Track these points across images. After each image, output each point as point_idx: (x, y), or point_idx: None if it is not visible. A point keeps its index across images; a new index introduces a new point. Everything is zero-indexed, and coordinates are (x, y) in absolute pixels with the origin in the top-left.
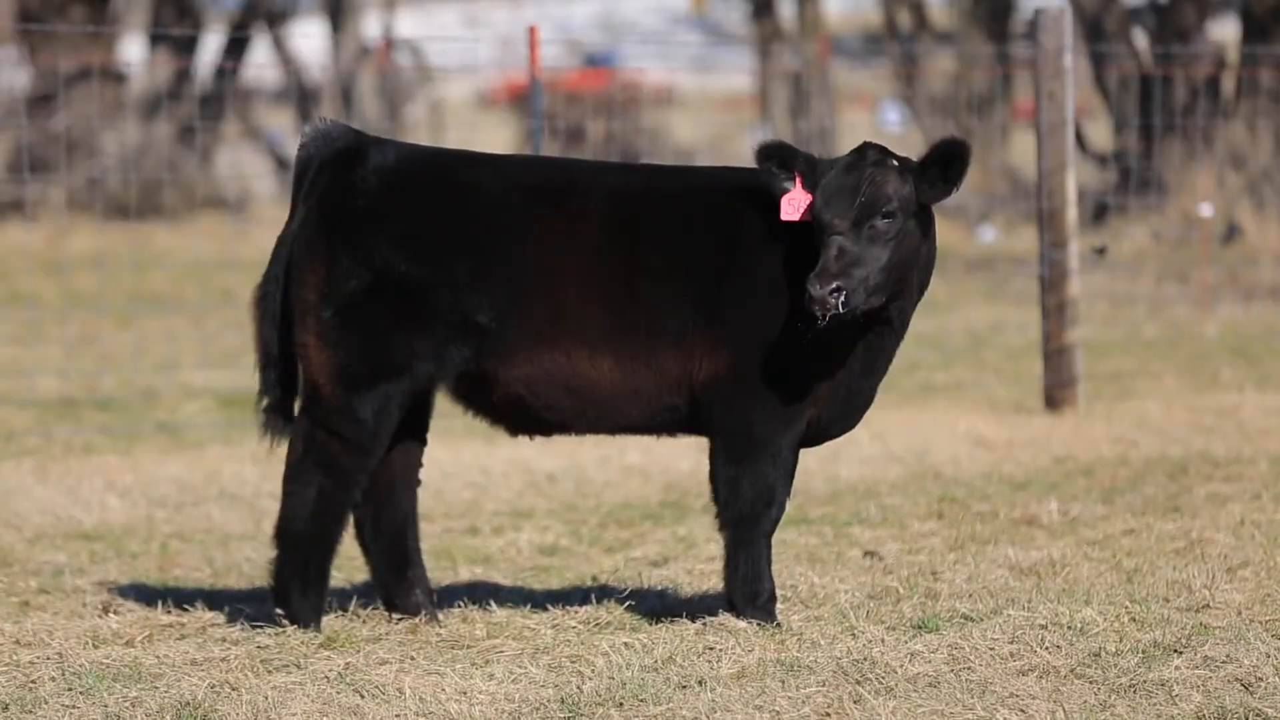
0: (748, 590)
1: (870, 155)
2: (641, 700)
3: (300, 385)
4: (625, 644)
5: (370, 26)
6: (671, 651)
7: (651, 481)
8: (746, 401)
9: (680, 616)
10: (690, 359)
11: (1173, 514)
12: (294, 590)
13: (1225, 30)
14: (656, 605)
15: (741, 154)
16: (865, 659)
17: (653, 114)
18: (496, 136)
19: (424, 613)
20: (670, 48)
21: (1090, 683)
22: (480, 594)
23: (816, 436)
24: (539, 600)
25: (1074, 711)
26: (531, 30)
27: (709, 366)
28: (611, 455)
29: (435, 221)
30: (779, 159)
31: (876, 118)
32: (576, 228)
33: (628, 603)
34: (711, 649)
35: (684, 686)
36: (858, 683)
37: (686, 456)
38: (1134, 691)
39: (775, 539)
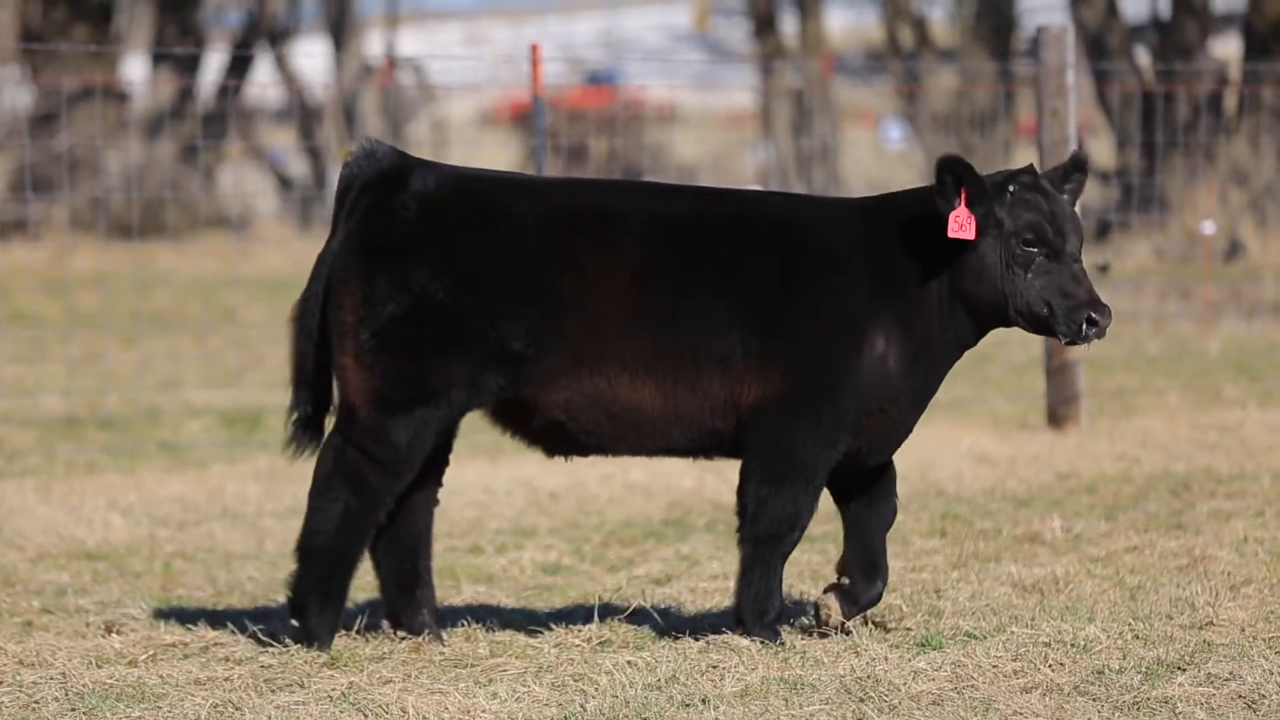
0: (758, 607)
1: (1044, 179)
2: (645, 719)
3: (335, 403)
4: (629, 662)
5: (373, 45)
6: (675, 670)
7: (654, 499)
8: (795, 426)
9: (683, 635)
10: (739, 383)
11: (1176, 531)
12: (312, 605)
13: (1227, 47)
14: (660, 624)
15: (744, 172)
16: (869, 677)
17: (655, 131)
18: (499, 155)
19: (428, 632)
20: (673, 65)
21: (1094, 700)
22: (483, 613)
23: (851, 464)
24: (542, 619)
25: None
26: (534, 48)
27: (758, 390)
28: (614, 473)
29: (473, 247)
30: (955, 174)
31: (879, 135)
32: (620, 251)
33: (631, 621)
34: (715, 667)
35: (687, 705)
36: (861, 701)
37: (689, 474)
38: (1138, 709)
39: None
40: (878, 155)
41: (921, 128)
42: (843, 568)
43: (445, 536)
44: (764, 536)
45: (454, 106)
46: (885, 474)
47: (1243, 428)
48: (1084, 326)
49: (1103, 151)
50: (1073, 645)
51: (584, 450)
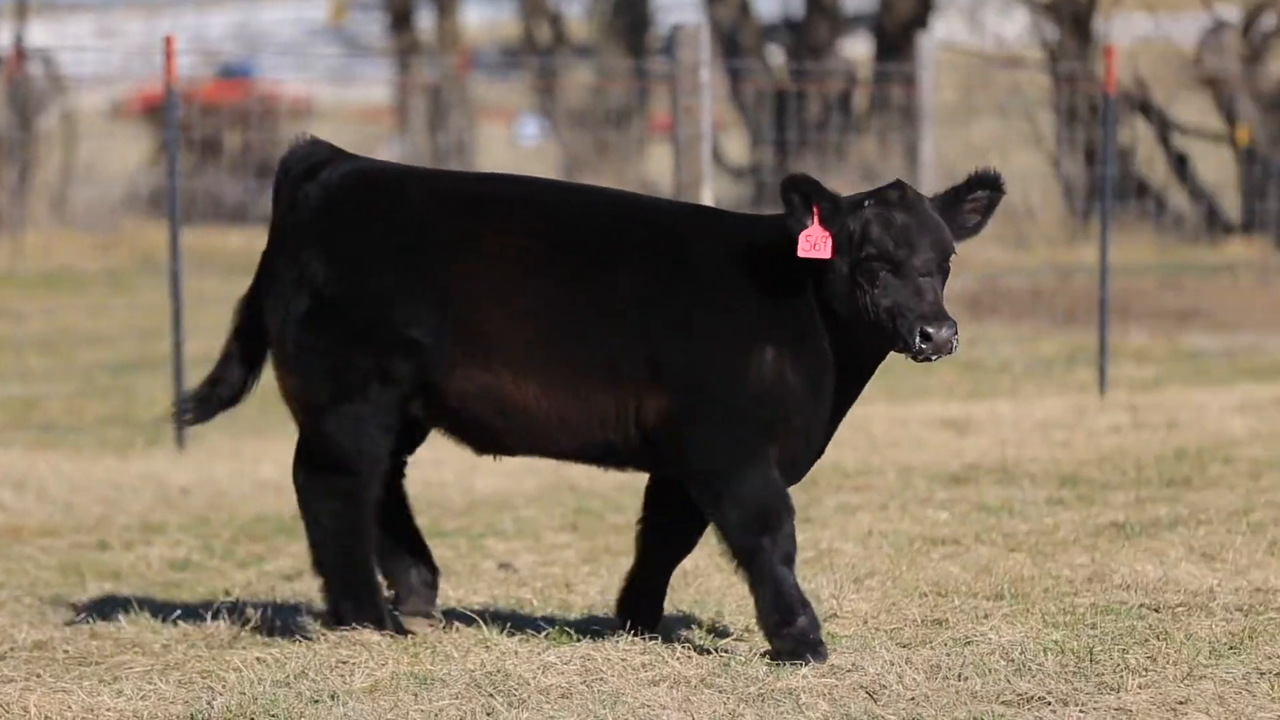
0: (778, 619)
1: (911, 193)
2: (273, 715)
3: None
4: (257, 659)
5: (1, 35)
6: (304, 666)
7: (285, 495)
8: (712, 447)
9: (314, 630)
10: (629, 397)
11: (803, 524)
12: (347, 610)
13: (857, 48)
14: (290, 619)
15: None
16: (498, 671)
17: (291, 125)
18: (131, 148)
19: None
20: (308, 59)
21: (720, 692)
22: (109, 609)
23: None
24: (170, 615)
25: None
26: (167, 40)
27: (655, 408)
28: (245, 469)
29: (364, 236)
30: (802, 193)
31: (514, 131)
32: (506, 247)
33: (261, 617)
34: (344, 663)
35: (316, 701)
36: (490, 695)
37: None
38: (762, 700)
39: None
40: (513, 151)
41: (557, 124)
42: (621, 605)
43: (71, 532)
44: (746, 551)
45: (85, 99)
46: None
47: (870, 424)
48: (918, 340)
49: (736, 148)
50: (701, 638)
51: (495, 446)
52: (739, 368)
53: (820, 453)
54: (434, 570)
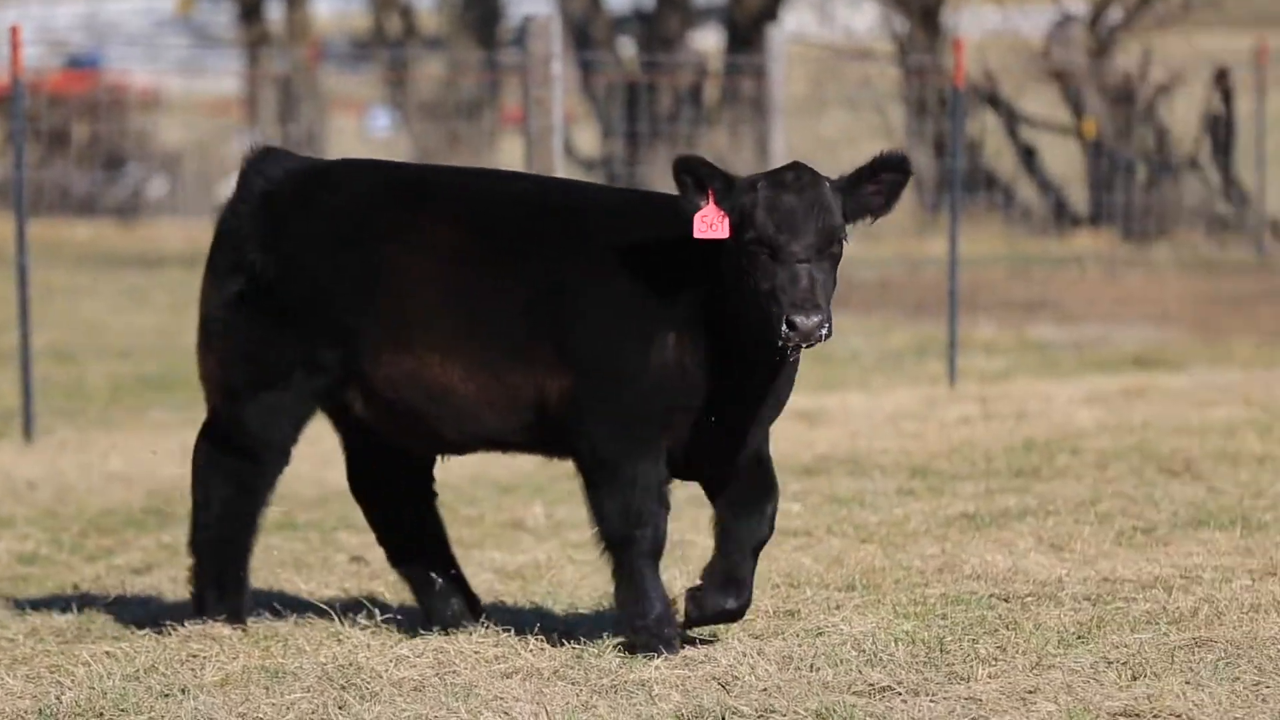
0: (633, 611)
1: (807, 175)
2: (123, 710)
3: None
4: (107, 653)
5: None
6: (154, 660)
7: (134, 488)
8: (599, 429)
9: (164, 624)
10: (539, 377)
11: None
12: (210, 598)
13: (708, 40)
14: (139, 613)
15: (229, 158)
16: (350, 664)
17: (139, 117)
18: None
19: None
20: (157, 50)
21: (573, 684)
22: None
23: (685, 472)
24: (18, 610)
25: (557, 712)
26: (14, 30)
27: (558, 388)
28: (93, 462)
29: (299, 226)
30: (695, 174)
31: (365, 123)
32: (430, 233)
33: (110, 611)
34: (195, 657)
35: (166, 695)
36: (342, 688)
37: (171, 461)
38: (615, 692)
39: (259, 544)
40: (364, 143)
41: (409, 116)
42: (703, 575)
43: None
44: (615, 541)
45: None
46: (760, 488)
47: None
48: (783, 328)
49: (588, 140)
50: (553, 630)
51: (430, 437)
52: (636, 354)
53: (737, 445)
54: (472, 599)
